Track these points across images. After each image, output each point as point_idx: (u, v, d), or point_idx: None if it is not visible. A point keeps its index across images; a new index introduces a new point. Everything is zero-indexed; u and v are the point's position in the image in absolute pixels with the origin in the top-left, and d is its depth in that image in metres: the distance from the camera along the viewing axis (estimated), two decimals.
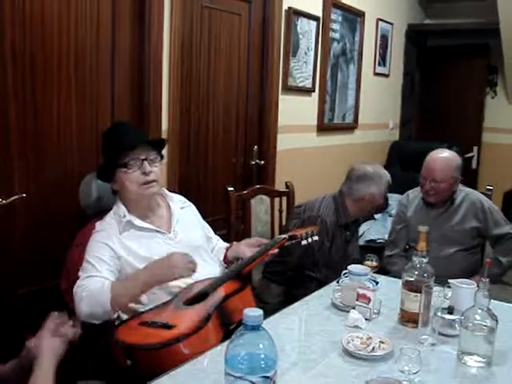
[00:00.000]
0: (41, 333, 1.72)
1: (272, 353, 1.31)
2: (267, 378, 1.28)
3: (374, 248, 4.64)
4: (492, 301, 2.02)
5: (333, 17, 4.96)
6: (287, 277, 3.14)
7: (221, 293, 2.26)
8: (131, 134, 2.45)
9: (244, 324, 1.30)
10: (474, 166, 6.67)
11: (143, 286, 2.19)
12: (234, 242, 2.69)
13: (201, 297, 2.22)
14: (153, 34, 3.14)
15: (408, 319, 2.22)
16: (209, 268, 2.44)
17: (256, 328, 1.30)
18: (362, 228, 5.43)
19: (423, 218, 3.28)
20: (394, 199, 5.64)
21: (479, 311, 1.94)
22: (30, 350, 1.70)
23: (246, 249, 2.55)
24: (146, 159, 2.33)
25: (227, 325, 2.15)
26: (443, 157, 3.28)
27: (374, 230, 5.32)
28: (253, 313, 1.29)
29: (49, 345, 1.68)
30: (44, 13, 2.64)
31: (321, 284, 3.01)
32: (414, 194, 3.48)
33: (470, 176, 5.67)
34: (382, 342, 2.01)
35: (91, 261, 2.23)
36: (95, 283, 2.16)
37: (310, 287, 2.98)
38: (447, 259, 3.22)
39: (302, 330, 2.22)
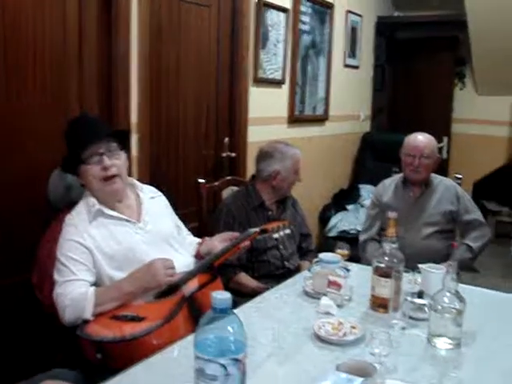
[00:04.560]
0: None
1: (241, 335, 1.31)
2: (237, 360, 1.28)
3: (347, 239, 4.68)
4: (460, 284, 2.06)
5: (302, 9, 4.96)
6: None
7: (192, 285, 2.27)
8: (90, 127, 2.39)
9: (213, 307, 1.30)
10: (444, 156, 6.73)
11: (128, 296, 2.18)
12: (207, 238, 2.67)
13: (171, 290, 2.22)
14: (120, 27, 3.12)
15: (379, 304, 2.24)
16: (180, 258, 2.42)
17: (225, 311, 1.30)
18: (335, 219, 5.47)
19: (400, 200, 3.40)
20: (366, 190, 5.71)
21: (448, 294, 1.97)
22: None
23: (218, 244, 2.54)
24: (104, 153, 2.28)
25: (197, 317, 2.14)
26: (425, 135, 3.42)
27: (347, 221, 5.37)
28: (221, 295, 1.29)
29: None
30: (6, 4, 2.60)
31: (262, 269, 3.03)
32: (390, 180, 3.58)
33: (440, 166, 5.71)
34: (353, 327, 2.03)
35: (65, 262, 2.20)
36: (77, 290, 2.14)
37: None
38: (424, 241, 3.31)
39: (274, 319, 2.21)
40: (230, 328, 1.30)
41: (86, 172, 2.29)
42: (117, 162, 2.32)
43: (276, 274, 3.02)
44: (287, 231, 3.17)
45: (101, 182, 2.29)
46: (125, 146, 2.45)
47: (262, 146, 3.27)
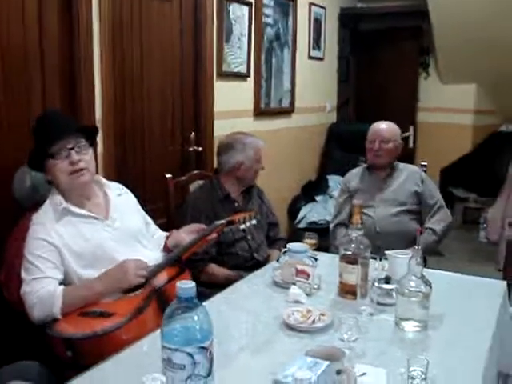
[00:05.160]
0: None
1: (207, 323, 1.32)
2: (203, 348, 1.29)
3: (316, 230, 4.70)
4: (425, 269, 2.10)
5: (265, 1, 4.95)
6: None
7: (161, 279, 2.27)
8: (59, 122, 2.39)
9: (178, 297, 1.31)
10: (410, 145, 6.80)
11: (97, 295, 2.18)
12: (174, 230, 2.68)
13: (139, 284, 2.22)
14: (81, 23, 3.08)
15: (347, 291, 2.27)
16: (149, 254, 2.43)
17: (190, 300, 1.30)
18: (304, 211, 5.50)
19: (367, 183, 3.54)
20: (334, 180, 5.74)
21: (413, 278, 2.01)
22: None
23: (185, 237, 2.55)
24: (73, 148, 2.28)
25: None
26: (387, 123, 3.58)
27: (316, 212, 5.39)
28: (185, 285, 1.30)
29: None
30: None
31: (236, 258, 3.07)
32: (356, 169, 3.69)
33: (407, 155, 5.78)
34: (322, 315, 2.05)
35: (33, 261, 2.18)
36: (44, 287, 2.13)
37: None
38: (393, 217, 3.41)
39: (245, 310, 2.23)
40: (195, 317, 1.31)
41: (54, 167, 2.28)
42: (85, 157, 2.33)
43: (245, 266, 3.03)
44: (254, 221, 3.19)
45: (68, 177, 2.28)
46: (92, 142, 2.45)
47: (221, 139, 3.30)
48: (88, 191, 2.41)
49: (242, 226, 3.07)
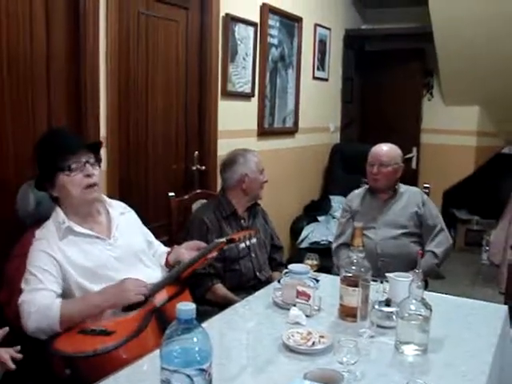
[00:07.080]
0: None
1: (206, 345, 1.32)
2: (202, 370, 1.29)
3: (318, 250, 4.69)
4: (426, 292, 2.10)
5: (270, 22, 4.99)
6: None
7: (161, 298, 2.28)
8: (70, 138, 2.44)
9: (177, 318, 1.31)
10: (414, 166, 6.81)
11: (95, 309, 2.17)
12: (175, 246, 2.69)
13: (139, 303, 2.22)
14: (88, 41, 3.11)
15: (347, 313, 2.27)
16: (150, 272, 2.45)
17: (189, 322, 1.31)
18: (306, 230, 5.49)
19: (368, 206, 3.54)
20: (336, 201, 5.74)
21: (414, 301, 2.00)
22: None
23: (185, 252, 2.57)
24: (87, 162, 2.32)
25: (166, 329, 2.15)
26: (388, 145, 3.57)
27: (318, 232, 5.38)
28: (185, 307, 1.30)
29: None
30: None
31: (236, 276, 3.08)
32: (359, 190, 3.70)
33: (410, 176, 5.77)
34: (322, 337, 2.05)
35: (34, 272, 2.19)
36: (42, 299, 2.13)
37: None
38: (394, 240, 3.41)
39: (245, 331, 2.23)
40: (194, 338, 1.31)
41: (68, 180, 2.29)
42: (96, 172, 2.37)
43: (248, 286, 3.03)
44: (254, 240, 3.19)
45: (82, 191, 2.31)
46: (99, 158, 2.47)
47: (223, 158, 3.37)
48: (93, 209, 2.43)
49: (242, 245, 3.08)
